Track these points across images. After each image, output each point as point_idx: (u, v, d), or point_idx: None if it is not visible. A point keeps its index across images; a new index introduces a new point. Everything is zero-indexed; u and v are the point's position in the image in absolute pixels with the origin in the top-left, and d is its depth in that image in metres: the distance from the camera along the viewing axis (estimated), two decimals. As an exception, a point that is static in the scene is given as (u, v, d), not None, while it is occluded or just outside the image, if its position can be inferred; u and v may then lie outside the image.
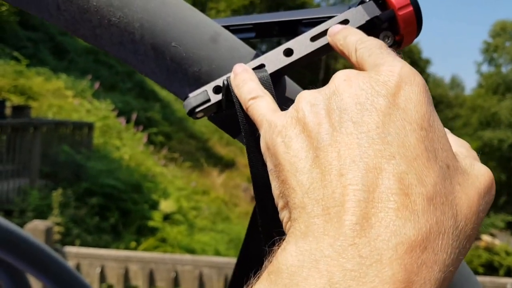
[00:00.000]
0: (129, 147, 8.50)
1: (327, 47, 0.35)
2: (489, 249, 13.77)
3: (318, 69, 28.27)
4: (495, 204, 25.01)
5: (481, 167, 0.27)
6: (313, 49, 0.35)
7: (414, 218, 0.22)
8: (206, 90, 0.34)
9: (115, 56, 0.39)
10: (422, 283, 0.20)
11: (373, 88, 0.26)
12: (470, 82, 73.06)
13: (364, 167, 0.23)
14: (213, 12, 19.80)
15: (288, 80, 0.38)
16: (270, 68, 0.35)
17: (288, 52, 0.35)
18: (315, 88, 0.30)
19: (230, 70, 0.35)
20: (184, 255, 4.27)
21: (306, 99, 0.28)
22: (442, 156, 0.24)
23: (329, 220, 0.22)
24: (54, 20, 0.38)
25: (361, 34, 0.33)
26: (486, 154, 25.77)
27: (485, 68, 33.06)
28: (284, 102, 0.35)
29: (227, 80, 0.34)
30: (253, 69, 0.35)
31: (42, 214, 5.31)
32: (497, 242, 15.28)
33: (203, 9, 20.24)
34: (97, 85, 9.90)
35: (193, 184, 9.07)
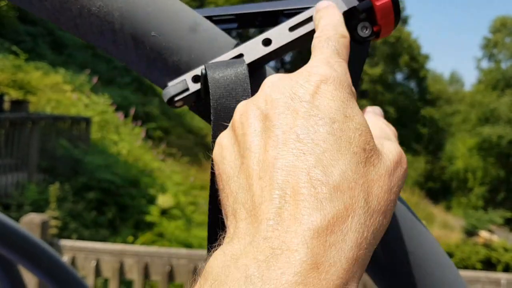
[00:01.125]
0: (127, 142, 8.50)
1: (306, 37, 0.36)
2: (487, 245, 13.81)
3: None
4: (494, 200, 25.07)
5: (389, 145, 0.29)
6: (291, 38, 0.36)
7: (320, 206, 0.23)
8: (185, 79, 0.35)
9: (95, 45, 0.39)
10: (331, 262, 0.22)
11: (292, 91, 0.28)
12: (469, 78, 73.16)
13: (279, 167, 0.25)
14: (212, 6, 19.75)
15: (268, 70, 0.38)
16: (249, 58, 0.35)
17: (267, 42, 0.36)
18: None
19: (209, 59, 0.36)
20: (180, 248, 4.27)
21: (239, 109, 0.30)
22: (358, 141, 0.26)
23: (251, 222, 0.24)
24: (35, 9, 0.38)
25: (331, 19, 0.34)
26: (485, 150, 25.81)
27: (484, 64, 33.10)
28: None
29: (205, 68, 0.34)
30: (232, 59, 0.35)
31: (39, 208, 5.32)
32: (495, 238, 15.32)
33: (202, 3, 20.17)
34: (95, 79, 9.91)
35: (191, 179, 9.08)
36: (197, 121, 13.66)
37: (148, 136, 9.95)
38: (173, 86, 0.34)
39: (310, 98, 0.27)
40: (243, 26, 0.42)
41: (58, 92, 8.73)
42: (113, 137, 8.40)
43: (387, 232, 0.36)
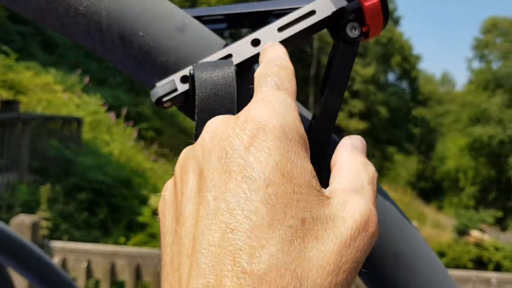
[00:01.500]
0: (119, 142, 8.48)
1: (294, 37, 0.36)
2: (478, 244, 13.92)
3: (309, 65, 28.30)
4: (485, 200, 25.30)
5: (355, 202, 0.24)
6: (280, 39, 0.35)
7: None
8: (173, 80, 0.34)
9: (82, 45, 0.38)
10: None
11: (228, 142, 0.24)
12: (460, 79, 73.67)
13: (205, 247, 0.22)
14: (204, 6, 19.75)
15: None
16: (237, 58, 0.35)
17: (256, 42, 0.36)
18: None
19: (198, 60, 0.36)
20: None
21: (181, 158, 0.27)
22: (297, 209, 0.22)
23: None
24: (21, 8, 0.37)
25: (272, 54, 0.32)
26: (476, 150, 26.03)
27: (475, 64, 33.41)
28: (251, 93, 0.36)
29: (193, 69, 0.33)
30: (220, 59, 0.35)
31: (30, 209, 5.29)
32: (486, 237, 15.45)
33: (194, 3, 20.15)
34: (86, 79, 9.87)
35: (183, 180, 9.06)
36: (190, 122, 13.53)
37: (140, 137, 9.93)
38: (161, 87, 0.34)
39: (245, 152, 0.23)
40: (232, 27, 0.42)
41: (49, 92, 8.69)
42: (105, 138, 8.37)
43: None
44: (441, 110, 34.51)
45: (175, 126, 12.52)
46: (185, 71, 0.35)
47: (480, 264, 13.29)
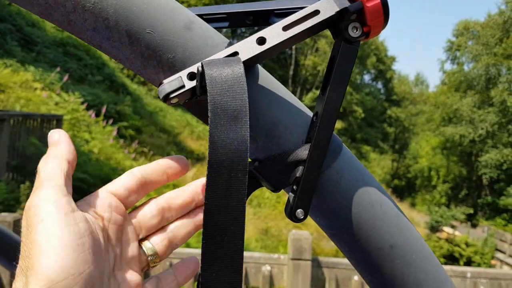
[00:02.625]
0: (98, 140, 8.41)
1: (299, 37, 0.37)
2: (450, 240, 14.20)
3: (288, 65, 28.38)
4: (456, 197, 25.78)
5: None
6: (285, 38, 0.36)
7: None
8: (180, 76, 0.35)
9: (89, 43, 0.38)
10: None
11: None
12: (433, 80, 74.73)
13: None
14: (185, 5, 19.59)
15: (261, 70, 0.39)
16: (244, 56, 0.36)
17: (261, 41, 0.36)
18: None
19: (204, 57, 0.36)
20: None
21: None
22: None
23: None
24: (28, 5, 0.37)
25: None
26: (448, 149, 26.44)
27: (448, 66, 33.90)
28: (257, 90, 0.38)
29: (201, 66, 0.34)
30: (227, 56, 0.36)
31: (9, 207, 5.25)
32: (457, 233, 15.72)
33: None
34: (66, 77, 9.73)
35: (163, 178, 9.05)
36: (169, 120, 13.60)
37: (120, 135, 9.86)
38: (169, 83, 0.35)
39: None
40: (234, 25, 0.43)
41: (27, 90, 8.55)
42: (84, 136, 8.29)
43: (371, 227, 0.39)
44: (414, 110, 34.93)
45: (154, 124, 12.47)
46: (192, 68, 0.35)
47: (451, 259, 13.61)
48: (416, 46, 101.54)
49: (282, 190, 0.41)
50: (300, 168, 0.38)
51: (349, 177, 0.40)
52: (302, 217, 0.39)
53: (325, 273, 2.79)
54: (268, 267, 2.79)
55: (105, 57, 13.20)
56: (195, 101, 0.37)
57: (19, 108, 7.92)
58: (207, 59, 0.35)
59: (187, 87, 0.35)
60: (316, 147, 0.38)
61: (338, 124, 25.56)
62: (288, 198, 0.40)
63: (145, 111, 12.39)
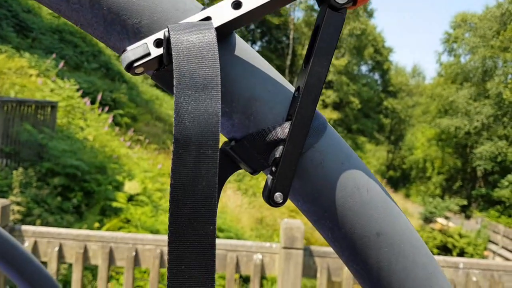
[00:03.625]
0: (93, 128, 8.40)
1: (280, 1, 0.33)
2: (443, 231, 14.33)
3: (285, 55, 28.28)
4: (451, 189, 25.95)
5: None
6: (264, 1, 0.33)
7: None
8: (146, 43, 0.31)
9: (47, 6, 0.35)
10: None
11: None
12: (430, 71, 74.66)
13: None
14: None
15: (238, 39, 0.36)
16: (217, 21, 0.32)
17: (237, 5, 0.33)
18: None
19: (173, 22, 0.33)
20: (146, 234, 4.34)
21: None
22: None
23: None
24: None
25: None
26: (443, 140, 26.56)
27: (445, 58, 33.88)
28: (232, 60, 0.35)
29: (168, 30, 0.31)
30: (198, 21, 0.32)
31: (2, 193, 5.26)
32: (451, 224, 15.85)
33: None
34: (61, 64, 9.70)
35: (159, 166, 9.09)
36: (165, 108, 13.55)
37: (116, 123, 9.85)
38: (132, 50, 0.31)
39: None
40: None
41: (22, 76, 8.51)
42: (79, 123, 8.28)
43: (356, 213, 0.37)
44: (411, 102, 35.04)
45: (150, 112, 12.44)
46: (159, 34, 0.32)
47: (445, 250, 13.73)
48: (414, 37, 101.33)
49: None
50: (280, 148, 0.35)
51: (333, 159, 0.37)
52: (281, 201, 0.36)
53: (316, 262, 2.79)
54: (259, 256, 2.79)
55: (101, 44, 13.10)
56: (163, 71, 0.33)
57: (13, 94, 7.88)
58: (174, 25, 0.32)
59: (153, 55, 0.31)
60: (297, 125, 0.35)
61: (334, 115, 25.59)
62: (266, 180, 0.37)
63: (141, 99, 12.35)
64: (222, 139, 0.34)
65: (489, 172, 24.06)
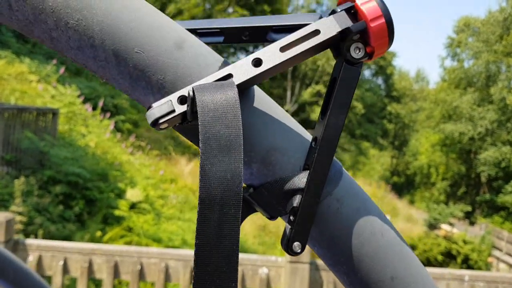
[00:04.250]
0: (95, 134, 8.37)
1: (297, 58, 0.35)
2: (448, 238, 14.27)
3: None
4: (455, 195, 25.89)
5: None
6: (282, 59, 0.34)
7: None
8: (170, 100, 0.33)
9: (73, 61, 0.36)
10: None
11: None
12: (434, 76, 74.80)
13: None
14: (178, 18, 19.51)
15: (257, 90, 0.37)
16: (238, 78, 0.34)
17: (257, 62, 0.34)
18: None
19: (196, 78, 0.34)
20: (150, 247, 4.26)
21: None
22: None
23: None
24: (5, 19, 0.35)
25: None
26: (447, 146, 26.53)
27: (448, 62, 33.93)
28: (251, 113, 0.36)
29: (192, 90, 0.32)
30: (220, 79, 0.33)
31: (3, 202, 5.21)
32: (455, 231, 15.82)
33: (162, 9, 19.89)
34: (62, 70, 9.68)
35: (161, 173, 9.03)
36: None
37: (117, 129, 9.82)
38: (158, 108, 0.32)
39: None
40: (230, 41, 0.40)
41: (23, 82, 8.49)
42: (80, 130, 8.24)
43: (372, 258, 0.38)
44: (414, 107, 35.05)
45: (152, 118, 12.42)
46: (183, 91, 0.33)
47: (449, 256, 13.66)
48: (417, 42, 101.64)
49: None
50: (298, 197, 0.36)
51: (350, 205, 0.38)
52: (299, 250, 0.37)
53: (322, 277, 2.77)
54: (265, 270, 2.76)
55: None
56: (186, 125, 0.34)
57: (14, 100, 7.85)
58: (198, 84, 0.33)
59: (177, 112, 0.32)
60: (314, 175, 0.36)
61: (337, 120, 25.58)
62: (285, 229, 0.38)
63: (142, 105, 12.30)
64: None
65: (493, 178, 23.99)
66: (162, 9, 19.77)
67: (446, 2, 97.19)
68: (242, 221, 0.35)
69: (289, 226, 0.37)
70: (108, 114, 9.71)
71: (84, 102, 9.23)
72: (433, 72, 64.63)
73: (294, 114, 26.22)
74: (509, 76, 23.22)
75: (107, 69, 0.35)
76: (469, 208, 20.84)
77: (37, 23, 0.34)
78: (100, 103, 9.56)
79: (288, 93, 25.99)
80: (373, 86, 33.36)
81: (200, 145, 0.31)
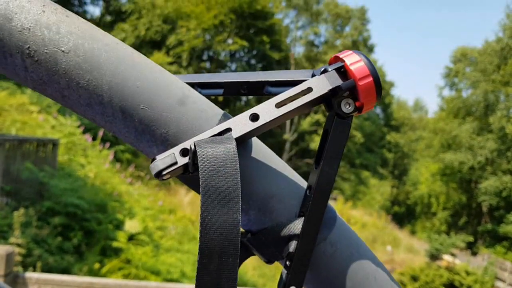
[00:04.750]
0: (94, 164, 8.36)
1: (292, 113, 0.37)
2: (450, 268, 14.07)
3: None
4: (456, 225, 25.64)
5: None
6: (278, 115, 0.36)
7: None
8: (173, 153, 0.35)
9: (82, 116, 0.39)
10: None
11: None
12: (432, 105, 75.33)
13: None
14: (183, 30, 19.82)
15: (255, 141, 0.39)
16: (237, 132, 0.36)
17: (254, 117, 0.36)
18: None
19: (198, 131, 0.37)
20: (149, 281, 4.20)
21: None
22: None
23: None
24: (21, 80, 0.38)
25: None
26: (447, 175, 26.42)
27: (446, 92, 34.09)
28: (249, 163, 0.38)
29: (194, 144, 0.34)
30: (220, 133, 0.36)
31: (2, 233, 5.16)
32: (458, 261, 15.62)
33: (173, 27, 20.21)
34: (63, 101, 9.74)
35: (160, 203, 8.98)
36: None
37: (116, 159, 9.82)
38: (161, 160, 0.34)
39: None
40: (229, 93, 0.43)
41: (24, 113, 8.54)
42: (80, 160, 8.24)
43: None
44: (414, 136, 35.12)
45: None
46: (185, 145, 0.35)
47: (452, 288, 13.44)
48: (415, 72, 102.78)
49: None
50: (294, 243, 0.38)
51: (344, 250, 0.40)
52: None
53: None
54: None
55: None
56: (187, 175, 0.36)
57: (14, 131, 7.88)
58: (199, 138, 0.35)
59: (179, 164, 0.34)
60: (309, 222, 0.38)
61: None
62: (281, 273, 0.39)
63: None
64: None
65: (495, 208, 23.81)
66: (163, 40, 20.06)
67: (443, 32, 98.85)
68: (241, 264, 0.36)
69: (285, 271, 0.38)
70: (107, 144, 9.73)
71: (84, 132, 9.26)
72: (431, 102, 65.15)
73: (294, 144, 26.26)
74: (508, 105, 23.33)
75: (114, 124, 0.37)
76: (471, 239, 20.61)
77: (50, 83, 0.36)
78: (100, 133, 9.59)
79: (287, 123, 26.10)
80: (372, 115, 33.49)
81: (200, 197, 0.33)
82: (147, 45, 19.76)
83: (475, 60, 26.36)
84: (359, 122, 29.28)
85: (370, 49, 32.56)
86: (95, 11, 23.42)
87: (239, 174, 0.33)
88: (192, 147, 0.34)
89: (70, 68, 0.36)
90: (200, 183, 0.33)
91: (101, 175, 8.13)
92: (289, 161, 24.42)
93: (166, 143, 0.37)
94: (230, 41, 21.46)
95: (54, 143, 7.68)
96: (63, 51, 0.36)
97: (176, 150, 0.35)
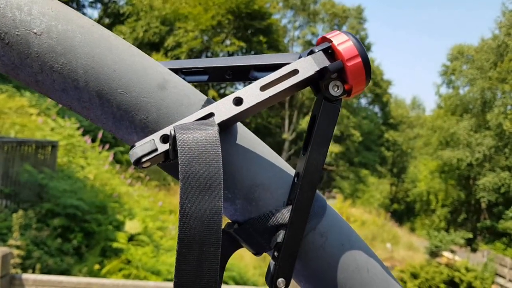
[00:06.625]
0: (94, 166, 8.36)
1: (277, 96, 0.35)
2: (450, 265, 14.07)
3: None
4: (455, 221, 25.65)
5: None
6: (262, 98, 0.35)
7: None
8: (153, 139, 0.33)
9: (58, 102, 0.37)
10: None
11: None
12: (430, 103, 75.34)
13: None
14: (181, 31, 19.82)
15: (240, 127, 0.38)
16: (220, 117, 0.34)
17: (238, 101, 0.35)
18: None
19: (179, 117, 0.35)
20: (148, 281, 4.22)
21: None
22: None
23: None
24: None
25: None
26: (445, 172, 26.43)
27: (443, 90, 34.11)
28: (234, 150, 0.36)
29: (174, 129, 0.33)
30: (202, 118, 0.34)
31: (2, 236, 5.17)
32: (457, 258, 15.60)
33: (171, 29, 20.19)
34: (62, 103, 9.75)
35: (159, 204, 8.99)
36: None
37: (116, 160, 9.82)
38: (141, 146, 0.33)
39: None
40: (214, 79, 0.41)
41: (23, 115, 8.54)
42: (79, 162, 8.25)
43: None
44: (412, 134, 35.12)
45: (150, 149, 12.44)
46: (165, 130, 0.33)
47: (452, 284, 13.44)
48: (412, 70, 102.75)
49: None
50: (282, 232, 0.36)
51: (334, 240, 0.38)
52: (283, 286, 0.36)
53: None
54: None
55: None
56: (169, 162, 0.34)
57: (14, 134, 7.88)
58: (179, 123, 0.33)
59: (159, 151, 0.33)
60: (297, 210, 0.36)
61: (336, 148, 25.59)
62: (269, 265, 0.38)
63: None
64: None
65: (493, 204, 23.82)
66: (161, 42, 20.06)
67: (440, 30, 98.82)
68: (229, 257, 0.37)
69: (273, 263, 0.37)
70: (107, 146, 9.73)
71: (84, 134, 9.26)
72: (429, 99, 65.07)
73: (293, 143, 26.25)
74: (505, 102, 23.33)
75: (91, 110, 0.35)
76: (470, 235, 20.61)
77: (22, 67, 0.34)
78: (99, 135, 9.60)
79: (286, 122, 26.09)
80: (370, 114, 33.47)
81: (180, 184, 0.31)
82: (145, 47, 19.75)
83: (471, 57, 26.35)
84: (357, 121, 29.28)
85: (368, 48, 32.56)
86: (93, 13, 23.22)
87: (221, 160, 0.32)
88: (172, 132, 0.33)
89: (43, 51, 0.34)
90: (180, 169, 0.31)
91: (100, 177, 8.14)
92: (288, 160, 24.41)
93: (146, 130, 0.35)
94: (228, 42, 21.47)
95: (53, 145, 7.68)
96: (35, 33, 0.34)
97: (156, 136, 0.33)
